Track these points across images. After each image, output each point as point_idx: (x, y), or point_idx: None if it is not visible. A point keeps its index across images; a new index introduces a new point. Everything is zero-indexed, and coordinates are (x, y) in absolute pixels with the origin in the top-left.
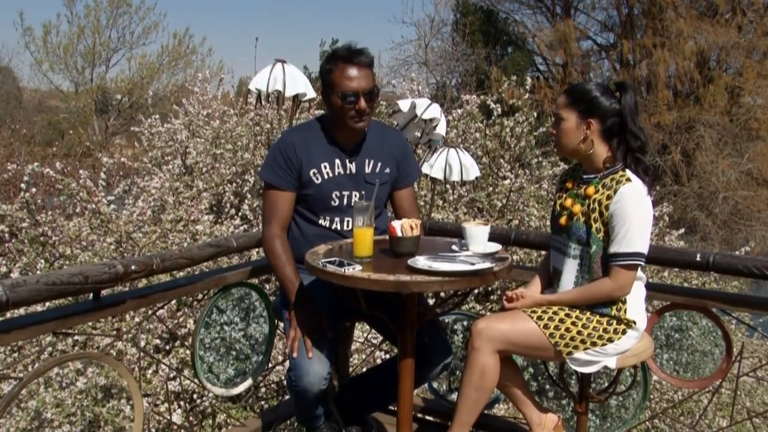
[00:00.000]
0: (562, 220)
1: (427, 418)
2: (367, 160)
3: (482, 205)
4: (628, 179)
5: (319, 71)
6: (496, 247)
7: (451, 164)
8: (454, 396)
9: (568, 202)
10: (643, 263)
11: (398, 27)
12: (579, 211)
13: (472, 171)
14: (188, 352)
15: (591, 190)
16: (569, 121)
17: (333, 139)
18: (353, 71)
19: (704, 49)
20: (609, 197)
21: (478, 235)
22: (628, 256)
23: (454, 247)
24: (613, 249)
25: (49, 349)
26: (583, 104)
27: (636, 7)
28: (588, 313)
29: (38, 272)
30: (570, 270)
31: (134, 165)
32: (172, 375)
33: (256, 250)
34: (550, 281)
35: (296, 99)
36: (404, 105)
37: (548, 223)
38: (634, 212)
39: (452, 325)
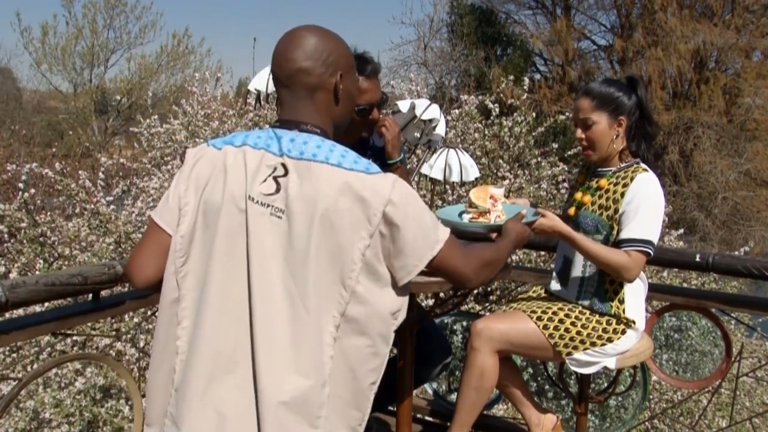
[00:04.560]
0: (571, 211)
1: (427, 418)
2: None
3: None
4: (645, 170)
5: None
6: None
7: (451, 165)
8: (453, 396)
9: (579, 194)
10: (651, 252)
11: (397, 28)
12: (588, 201)
13: (472, 172)
14: None
15: (603, 182)
16: (601, 124)
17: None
18: (366, 83)
19: (701, 49)
20: (625, 185)
21: (495, 195)
22: (639, 243)
23: (464, 217)
24: (625, 235)
25: (48, 349)
26: (611, 104)
27: (636, 7)
28: (587, 313)
29: (37, 273)
30: (579, 258)
31: (133, 165)
32: None
33: None
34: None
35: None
36: (403, 106)
37: None
38: (647, 202)
39: (452, 326)
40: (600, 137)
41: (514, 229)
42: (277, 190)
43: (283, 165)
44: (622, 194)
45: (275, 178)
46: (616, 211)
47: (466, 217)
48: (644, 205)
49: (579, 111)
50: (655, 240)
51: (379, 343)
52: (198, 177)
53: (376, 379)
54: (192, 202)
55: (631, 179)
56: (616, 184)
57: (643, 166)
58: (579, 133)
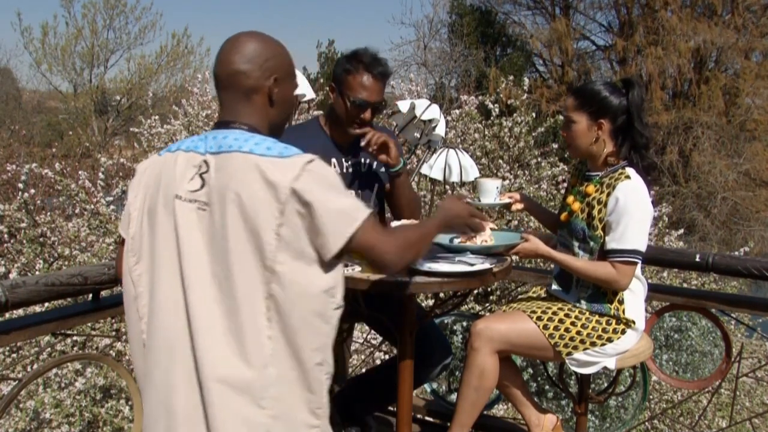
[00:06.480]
0: (563, 217)
1: (427, 418)
2: (362, 159)
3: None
4: (627, 177)
5: (334, 66)
6: (506, 201)
7: (451, 165)
8: (453, 397)
9: (570, 199)
10: (639, 261)
11: (397, 28)
12: (578, 208)
13: (472, 172)
14: None
15: (591, 188)
16: (580, 124)
17: (330, 138)
18: (370, 81)
19: (701, 49)
20: (609, 194)
21: (490, 188)
22: (625, 253)
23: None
24: (611, 246)
25: (48, 349)
26: (593, 105)
27: (636, 6)
28: (587, 313)
29: (37, 273)
30: None
31: (133, 166)
32: None
33: None
34: (552, 227)
35: (295, 100)
36: (403, 106)
37: None
38: (631, 209)
39: (452, 326)
40: (577, 137)
41: (444, 207)
42: (202, 186)
43: (206, 162)
44: (606, 203)
45: (200, 175)
46: (600, 220)
47: (456, 240)
48: (626, 214)
49: (564, 109)
50: (642, 247)
51: (317, 321)
52: (146, 185)
53: (323, 360)
54: (138, 207)
55: (614, 187)
56: (600, 192)
57: (627, 172)
58: (562, 131)
